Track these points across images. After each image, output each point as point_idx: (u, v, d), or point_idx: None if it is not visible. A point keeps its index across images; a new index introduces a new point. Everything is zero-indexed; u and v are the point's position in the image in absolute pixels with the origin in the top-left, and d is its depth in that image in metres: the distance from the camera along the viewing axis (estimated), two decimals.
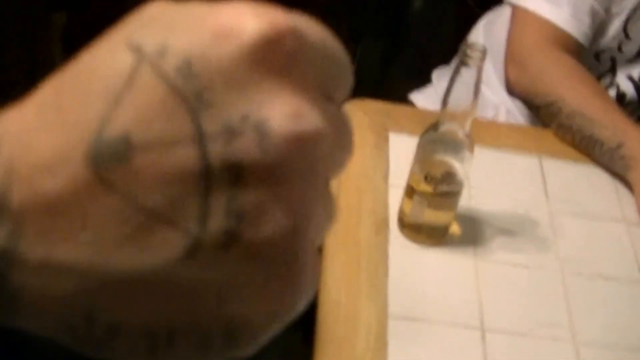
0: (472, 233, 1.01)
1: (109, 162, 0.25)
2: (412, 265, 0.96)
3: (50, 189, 0.25)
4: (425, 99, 1.43)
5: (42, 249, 0.25)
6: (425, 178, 0.93)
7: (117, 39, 0.27)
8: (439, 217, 0.96)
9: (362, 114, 1.15)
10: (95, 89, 0.26)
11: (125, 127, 0.25)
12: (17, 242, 0.25)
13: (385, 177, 1.07)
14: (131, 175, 0.25)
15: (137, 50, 0.26)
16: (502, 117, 1.33)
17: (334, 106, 0.29)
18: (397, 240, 0.99)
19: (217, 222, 0.25)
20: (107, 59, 0.26)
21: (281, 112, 0.26)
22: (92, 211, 0.25)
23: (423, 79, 1.51)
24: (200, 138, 0.25)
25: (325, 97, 0.28)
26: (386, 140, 1.12)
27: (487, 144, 1.13)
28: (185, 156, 0.25)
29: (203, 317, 0.27)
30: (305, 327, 0.87)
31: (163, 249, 0.25)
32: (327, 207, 0.28)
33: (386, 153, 1.10)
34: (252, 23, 0.26)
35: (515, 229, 1.03)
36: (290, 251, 0.27)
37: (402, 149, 1.06)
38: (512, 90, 1.28)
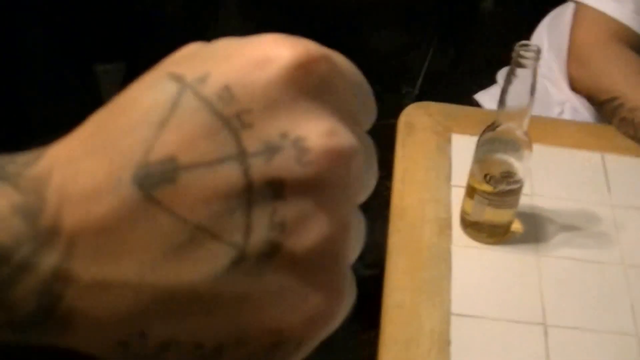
0: (534, 230, 1.02)
1: (157, 182, 0.27)
2: (474, 264, 0.98)
3: (100, 211, 0.27)
4: (490, 99, 1.43)
5: (94, 268, 0.27)
6: (485, 178, 0.94)
7: (158, 73, 0.29)
8: (500, 215, 0.98)
9: (425, 116, 1.17)
10: (140, 116, 0.28)
11: (171, 149, 0.27)
12: (70, 262, 0.27)
13: (448, 177, 1.08)
14: (178, 194, 0.27)
15: (179, 80, 0.28)
16: (567, 115, 1.33)
17: (362, 130, 0.31)
18: (459, 240, 1.00)
19: (260, 234, 0.27)
20: (150, 89, 0.28)
21: (317, 129, 0.28)
22: (141, 229, 0.27)
23: (491, 80, 1.52)
24: (242, 156, 0.27)
25: (353, 121, 0.30)
26: (448, 141, 1.13)
27: (548, 142, 1.13)
28: (229, 174, 0.27)
29: (248, 329, 0.28)
30: (369, 327, 0.90)
31: (210, 261, 0.27)
32: (359, 226, 0.30)
33: (448, 154, 1.11)
34: (287, 50, 0.28)
35: (577, 225, 1.03)
36: (331, 259, 0.28)
37: (464, 150, 1.07)
38: (575, 87, 1.28)
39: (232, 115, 0.27)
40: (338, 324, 0.30)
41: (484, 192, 0.95)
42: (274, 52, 0.28)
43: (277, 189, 0.27)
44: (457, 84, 2.13)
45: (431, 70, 2.19)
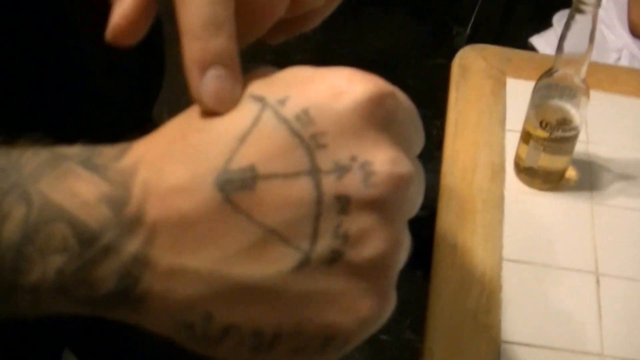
0: (589, 178, 1.01)
1: (236, 187, 0.30)
2: (527, 210, 0.97)
3: (182, 207, 0.30)
4: (546, 42, 1.41)
5: (172, 256, 0.30)
6: (541, 124, 0.93)
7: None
8: (555, 162, 0.97)
9: (480, 59, 1.15)
10: (222, 129, 0.31)
11: (251, 160, 0.30)
12: (150, 249, 0.30)
13: (502, 122, 1.07)
14: (254, 200, 0.30)
15: (261, 100, 0.32)
16: (624, 62, 1.30)
17: (415, 156, 0.34)
18: (513, 185, 0.99)
19: (325, 242, 0.31)
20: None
21: (382, 156, 0.31)
22: (218, 227, 0.30)
23: (545, 23, 1.49)
24: (315, 172, 0.30)
25: (410, 149, 0.34)
26: (504, 85, 1.12)
27: (605, 89, 1.11)
28: (302, 186, 0.30)
29: (306, 323, 0.31)
30: (424, 265, 0.90)
31: (278, 261, 0.30)
32: (407, 240, 0.33)
33: (503, 99, 1.10)
34: (362, 85, 0.32)
35: (632, 174, 1.02)
36: (384, 270, 0.32)
37: (520, 95, 1.05)
38: (635, 32, 1.26)
39: (308, 136, 0.31)
40: (382, 325, 0.33)
41: (539, 138, 0.94)
42: (350, 86, 0.32)
43: (344, 204, 0.31)
44: (510, 27, 2.09)
45: (484, 11, 2.15)
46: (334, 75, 0.32)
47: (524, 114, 0.97)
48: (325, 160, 0.31)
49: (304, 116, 0.31)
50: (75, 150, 0.32)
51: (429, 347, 0.83)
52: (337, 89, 0.32)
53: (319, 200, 0.30)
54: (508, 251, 0.93)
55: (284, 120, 0.31)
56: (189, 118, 0.33)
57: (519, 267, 0.91)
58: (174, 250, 0.30)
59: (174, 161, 0.31)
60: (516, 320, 0.86)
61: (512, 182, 1.00)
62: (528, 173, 0.99)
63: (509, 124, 1.06)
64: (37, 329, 0.75)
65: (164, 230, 0.30)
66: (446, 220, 0.95)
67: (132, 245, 0.30)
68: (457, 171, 1.00)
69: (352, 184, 0.31)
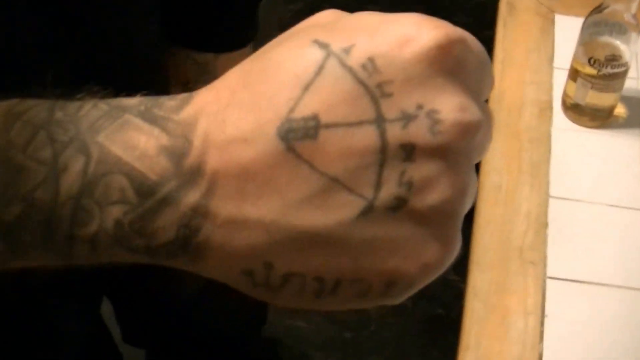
0: (638, 114, 0.99)
1: (299, 136, 0.30)
2: (574, 147, 0.97)
3: (243, 157, 0.30)
4: None
5: (232, 206, 0.30)
6: (589, 61, 0.92)
7: (303, 38, 0.32)
8: (603, 99, 0.96)
9: None
10: (285, 77, 0.30)
11: (314, 109, 0.30)
12: (210, 200, 0.30)
13: (550, 59, 1.06)
14: (317, 149, 0.30)
15: (325, 47, 0.31)
16: None
17: (484, 102, 0.33)
18: (560, 123, 0.99)
19: (389, 189, 0.30)
20: (296, 53, 0.31)
21: (450, 104, 0.30)
22: (279, 177, 0.30)
23: None
24: (379, 121, 0.30)
25: (478, 95, 0.33)
26: (552, 22, 1.10)
27: None
28: (366, 135, 0.30)
29: (367, 269, 0.31)
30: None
31: (341, 210, 0.30)
32: (474, 185, 0.33)
33: (552, 36, 1.09)
34: (430, 32, 0.31)
35: None
36: (449, 216, 0.31)
37: (568, 31, 1.04)
38: None
39: (373, 85, 0.30)
40: (445, 270, 0.33)
41: (588, 75, 0.93)
42: (417, 33, 0.31)
43: (409, 152, 0.30)
44: None
45: None
46: (402, 21, 0.31)
47: (573, 52, 0.95)
48: (390, 109, 0.30)
49: (370, 65, 0.30)
50: (134, 102, 0.32)
51: (473, 285, 0.84)
52: (404, 37, 0.31)
53: (383, 149, 0.30)
54: (554, 189, 0.92)
55: (349, 69, 0.30)
56: (250, 66, 0.32)
57: (565, 204, 0.91)
58: (234, 200, 0.30)
59: (236, 111, 0.30)
60: (562, 257, 0.86)
61: (560, 120, 0.99)
62: (576, 110, 0.98)
63: (557, 62, 1.05)
64: (76, 278, 0.77)
65: (225, 181, 0.30)
66: (492, 159, 0.95)
67: (192, 197, 0.30)
68: (503, 110, 1.00)
69: (418, 132, 0.30)
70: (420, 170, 0.30)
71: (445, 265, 0.32)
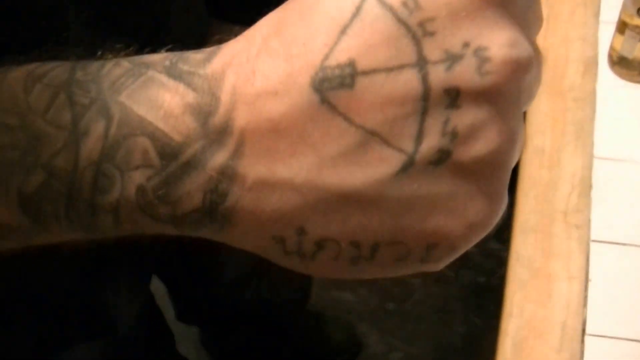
0: None
1: (334, 86, 0.27)
2: (621, 104, 0.94)
3: (274, 112, 0.28)
4: None
5: (262, 167, 0.28)
6: (638, 11, 0.89)
7: None
8: None
9: None
10: (320, 20, 0.28)
11: (351, 55, 0.27)
12: (238, 161, 0.28)
13: (596, 13, 1.02)
14: (354, 99, 0.27)
15: None
16: None
17: (534, 40, 0.30)
18: (606, 78, 0.96)
19: (431, 141, 0.28)
20: None
21: (499, 39, 0.28)
22: (313, 132, 0.28)
23: None
24: (421, 63, 0.27)
25: (529, 31, 0.30)
26: None
27: None
28: (407, 81, 0.27)
29: (407, 231, 0.29)
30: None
31: (378, 166, 0.28)
32: (522, 133, 0.30)
33: None
34: None
35: None
36: (497, 168, 0.29)
37: None
38: None
39: (415, 23, 0.27)
40: (491, 229, 0.30)
41: (636, 26, 0.90)
42: None
43: (453, 97, 0.28)
44: None
45: None
46: None
47: (620, 4, 0.92)
48: (433, 50, 0.27)
49: (411, 2, 0.27)
50: (159, 58, 0.31)
51: (516, 250, 0.83)
52: None
53: (425, 96, 0.27)
54: (600, 148, 0.90)
55: (388, 8, 0.27)
56: (283, 11, 0.30)
57: (611, 164, 0.89)
58: (264, 160, 0.28)
59: (267, 60, 0.28)
60: (608, 220, 0.84)
61: (606, 77, 0.96)
62: (622, 64, 0.95)
63: (603, 15, 1.02)
64: (126, 255, 0.78)
65: (254, 139, 0.28)
66: (534, 119, 0.93)
67: (219, 158, 0.28)
68: (547, 67, 0.97)
69: (464, 73, 0.27)
70: (466, 117, 0.28)
71: (491, 224, 0.30)
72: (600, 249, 0.82)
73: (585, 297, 0.79)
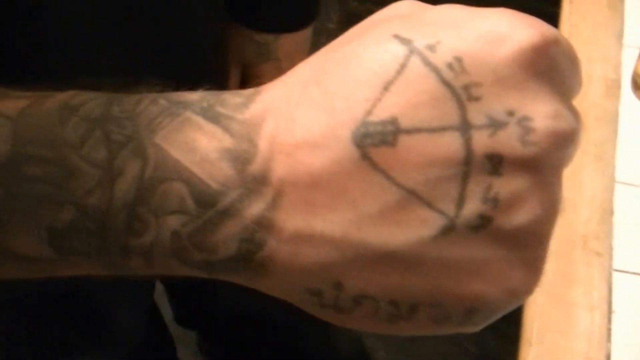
0: None
1: (375, 142, 0.27)
2: None
3: (313, 164, 0.27)
4: None
5: (300, 220, 0.28)
6: None
7: (382, 32, 0.29)
8: None
9: None
10: (363, 75, 0.28)
11: (394, 112, 0.27)
12: (276, 212, 0.28)
13: (620, 36, 1.00)
14: (395, 157, 0.27)
15: (408, 43, 0.28)
16: None
17: (575, 109, 0.31)
18: (629, 103, 0.92)
19: (472, 206, 0.27)
20: (375, 48, 0.28)
21: (543, 111, 0.28)
22: (353, 187, 0.27)
23: None
24: (465, 127, 0.27)
25: (570, 100, 0.31)
26: None
27: None
28: (450, 143, 0.27)
29: (446, 294, 0.29)
30: None
31: (418, 227, 0.27)
32: (561, 202, 0.30)
33: (621, 12, 1.03)
34: (524, 31, 0.29)
35: None
36: (537, 238, 0.29)
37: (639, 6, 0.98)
38: None
39: (460, 86, 0.28)
40: (529, 296, 0.30)
41: None
42: (510, 31, 0.28)
43: (495, 164, 0.28)
44: None
45: None
46: (493, 18, 0.29)
47: None
48: (477, 114, 0.27)
49: (457, 64, 0.28)
50: (196, 97, 0.30)
51: None
52: (496, 35, 0.28)
53: (467, 160, 0.27)
54: (622, 173, 0.85)
55: (433, 68, 0.28)
56: (324, 60, 0.30)
57: (633, 189, 0.85)
58: (302, 212, 0.28)
59: (307, 110, 0.28)
60: (630, 248, 0.80)
61: (629, 99, 0.92)
62: None
63: (627, 39, 0.99)
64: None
65: (292, 191, 0.28)
66: None
67: (256, 208, 0.28)
68: None
69: (507, 141, 0.27)
70: (508, 185, 0.28)
71: (531, 291, 0.30)
72: (624, 279, 0.78)
73: (609, 330, 0.74)
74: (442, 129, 0.27)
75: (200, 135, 0.29)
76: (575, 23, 1.01)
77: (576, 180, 0.85)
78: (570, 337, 0.74)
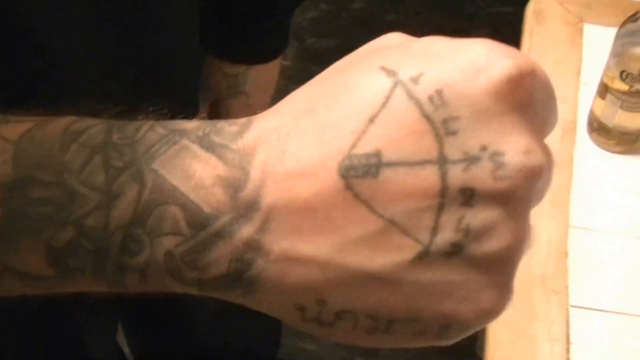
0: None
1: (359, 175, 0.29)
2: (599, 173, 0.94)
3: (301, 193, 0.29)
4: None
5: (287, 243, 0.30)
6: (621, 75, 0.88)
7: (371, 63, 0.31)
8: (633, 120, 0.92)
9: (556, 4, 1.10)
10: (351, 107, 0.30)
11: (378, 145, 0.29)
12: (264, 235, 0.30)
13: (577, 73, 1.03)
14: (377, 188, 0.29)
15: (392, 75, 0.30)
16: None
17: (546, 145, 0.32)
18: (584, 145, 0.96)
19: (445, 235, 0.30)
20: (364, 79, 0.30)
21: (515, 146, 0.29)
22: (337, 215, 0.29)
23: None
24: (442, 162, 0.29)
25: (543, 134, 0.32)
26: (581, 32, 1.08)
27: None
28: (427, 177, 0.29)
29: (421, 311, 0.31)
30: None
31: (396, 252, 0.30)
32: (531, 232, 0.32)
33: (580, 47, 1.06)
34: (501, 62, 0.30)
35: None
36: (507, 263, 0.31)
37: (599, 43, 1.02)
38: None
39: (439, 120, 0.29)
40: (499, 316, 0.32)
41: (618, 91, 0.90)
42: (487, 62, 0.30)
43: (468, 196, 0.29)
44: None
45: None
46: (473, 48, 0.30)
47: (602, 66, 0.92)
48: (453, 149, 0.29)
49: (437, 98, 0.29)
50: (192, 126, 0.32)
51: None
52: (474, 66, 0.29)
53: (442, 193, 0.29)
54: (576, 217, 0.90)
55: (416, 101, 0.29)
56: (316, 90, 0.32)
57: (587, 234, 0.89)
58: (289, 237, 0.30)
59: (297, 141, 0.30)
60: (585, 286, 0.85)
61: (584, 143, 0.97)
62: (602, 132, 0.95)
63: (584, 76, 1.02)
64: (92, 305, 0.78)
65: (280, 217, 0.30)
66: None
67: (246, 231, 0.30)
68: None
69: (479, 176, 0.29)
70: (479, 216, 0.29)
71: (501, 311, 0.32)
72: (580, 314, 0.84)
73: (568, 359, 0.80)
74: (421, 163, 0.29)
75: (195, 162, 0.30)
76: (536, 59, 1.05)
77: (534, 225, 0.89)
78: None
